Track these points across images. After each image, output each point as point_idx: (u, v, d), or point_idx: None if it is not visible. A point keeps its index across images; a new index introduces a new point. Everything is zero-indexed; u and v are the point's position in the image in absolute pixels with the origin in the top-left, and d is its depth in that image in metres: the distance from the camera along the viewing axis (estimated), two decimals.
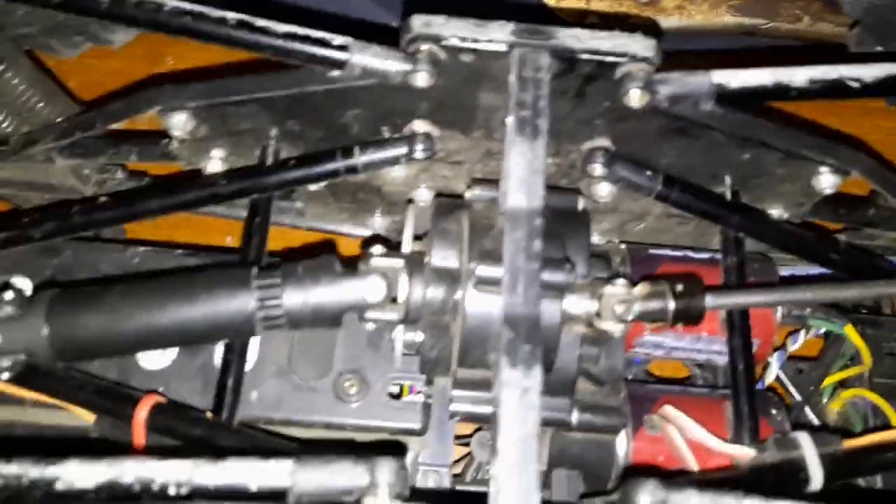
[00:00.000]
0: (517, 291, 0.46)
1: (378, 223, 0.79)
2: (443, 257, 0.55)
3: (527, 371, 0.43)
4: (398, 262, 0.54)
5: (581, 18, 1.13)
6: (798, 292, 0.58)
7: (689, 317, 0.55)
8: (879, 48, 0.79)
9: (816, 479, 0.53)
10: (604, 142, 0.63)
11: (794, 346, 0.78)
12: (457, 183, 0.70)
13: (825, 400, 0.81)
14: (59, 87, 0.83)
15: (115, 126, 0.66)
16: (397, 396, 0.67)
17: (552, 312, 0.51)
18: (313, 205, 0.77)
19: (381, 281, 0.52)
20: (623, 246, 0.72)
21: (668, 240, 0.76)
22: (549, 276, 0.49)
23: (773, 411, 0.65)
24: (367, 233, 0.81)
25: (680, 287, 0.55)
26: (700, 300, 0.55)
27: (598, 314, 0.55)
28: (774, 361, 0.79)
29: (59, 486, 0.41)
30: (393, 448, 0.64)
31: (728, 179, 0.68)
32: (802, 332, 0.78)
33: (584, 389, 0.61)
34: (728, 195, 0.69)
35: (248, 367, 0.65)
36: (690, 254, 0.72)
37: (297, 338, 0.66)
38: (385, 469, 0.40)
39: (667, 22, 1.12)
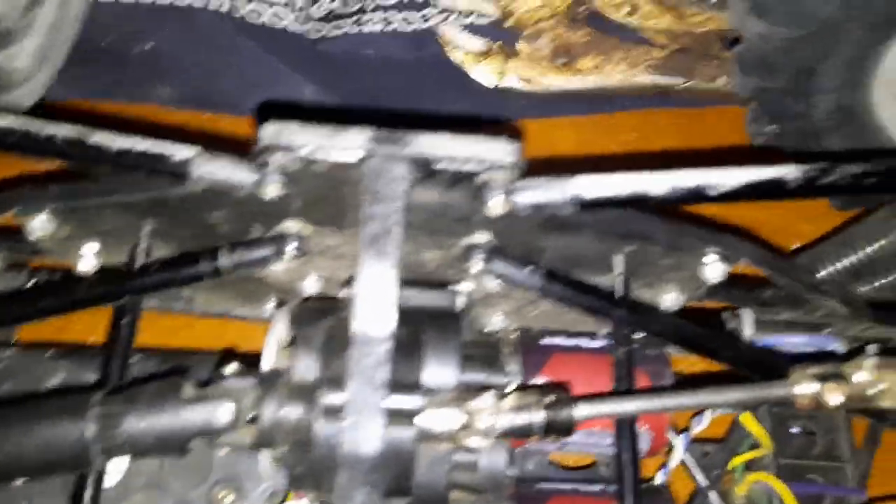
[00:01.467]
0: (358, 427, 0.44)
1: (272, 308, 0.76)
2: (303, 372, 0.53)
3: None
4: (250, 383, 0.52)
5: (501, 77, 1.12)
6: (673, 398, 0.56)
7: (558, 430, 0.53)
8: (773, 126, 0.79)
9: None
10: (483, 237, 0.61)
11: (697, 429, 0.76)
12: (344, 273, 0.68)
13: (731, 483, 0.79)
14: None
15: None
16: None
17: (404, 439, 0.49)
18: (201, 293, 0.74)
19: (230, 405, 0.50)
20: (515, 335, 0.70)
21: (566, 323, 0.74)
22: (398, 402, 0.47)
23: None
24: (263, 315, 0.78)
25: (549, 399, 0.53)
26: (568, 412, 0.53)
27: (466, 427, 0.53)
28: (679, 445, 0.77)
29: None
30: None
31: (619, 268, 0.67)
32: (707, 414, 0.77)
33: (464, 499, 0.58)
34: (619, 284, 0.67)
35: (117, 479, 0.62)
36: (583, 343, 0.70)
37: None
38: None
39: (585, 82, 1.12)
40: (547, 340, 0.70)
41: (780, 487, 0.73)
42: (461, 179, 0.52)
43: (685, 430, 0.77)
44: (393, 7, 1.11)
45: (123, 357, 0.61)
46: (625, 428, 0.62)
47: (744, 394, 0.57)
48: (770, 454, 0.78)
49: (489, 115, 1.14)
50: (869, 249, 0.73)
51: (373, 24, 1.13)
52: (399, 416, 0.48)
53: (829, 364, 0.56)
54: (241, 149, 0.53)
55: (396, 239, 0.48)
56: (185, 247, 0.64)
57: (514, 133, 0.53)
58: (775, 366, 0.65)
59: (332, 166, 0.51)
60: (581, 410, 0.54)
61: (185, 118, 1.09)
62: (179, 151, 0.50)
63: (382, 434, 0.44)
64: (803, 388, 0.55)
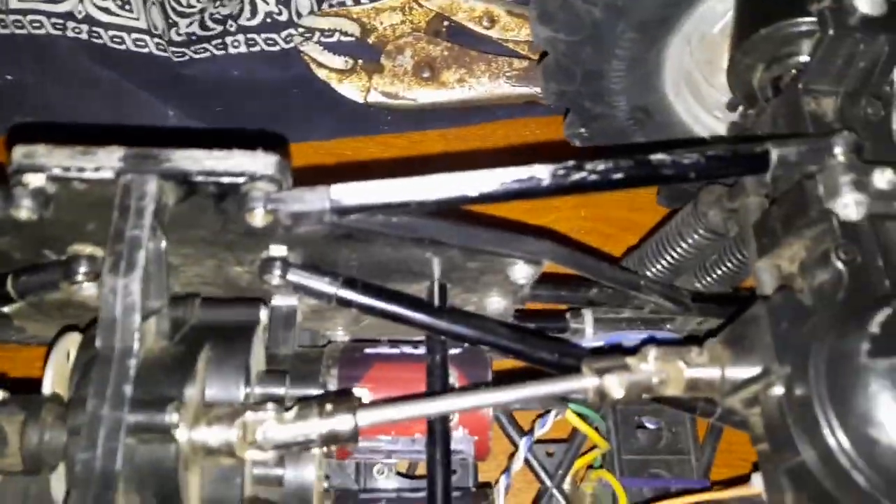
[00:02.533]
0: (96, 445, 0.43)
1: None
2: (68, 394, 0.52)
3: None
4: (14, 409, 0.51)
5: (366, 94, 1.13)
6: (469, 397, 0.56)
7: (342, 440, 0.53)
8: (582, 129, 0.80)
9: None
10: (279, 249, 0.61)
11: (541, 430, 0.77)
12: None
13: (579, 482, 0.80)
14: None
15: None
16: None
17: (158, 455, 0.48)
18: (27, 322, 0.73)
19: None
20: (340, 347, 0.70)
21: (405, 332, 0.74)
22: (150, 418, 0.47)
23: None
24: None
25: (329, 408, 0.53)
26: (350, 420, 0.53)
27: (246, 441, 0.52)
28: (522, 447, 0.77)
29: None
30: None
31: (434, 274, 0.67)
32: (551, 415, 0.77)
33: None
34: (435, 289, 0.67)
35: None
36: (409, 350, 0.70)
37: None
38: None
39: (451, 95, 1.13)
40: (370, 350, 0.70)
41: (615, 483, 0.74)
42: (226, 193, 0.52)
43: (529, 432, 0.78)
44: (255, 29, 1.11)
45: None
46: (434, 431, 0.62)
47: (539, 389, 0.57)
48: (612, 451, 0.79)
49: (357, 132, 1.14)
50: (679, 248, 0.74)
51: (236, 45, 1.13)
52: (154, 433, 0.47)
53: (616, 357, 0.57)
54: None
55: (142, 253, 0.48)
56: None
57: (282, 148, 0.53)
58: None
59: (90, 184, 0.51)
60: (365, 417, 0.54)
61: None
62: None
63: (122, 451, 0.43)
64: (589, 381, 0.56)
